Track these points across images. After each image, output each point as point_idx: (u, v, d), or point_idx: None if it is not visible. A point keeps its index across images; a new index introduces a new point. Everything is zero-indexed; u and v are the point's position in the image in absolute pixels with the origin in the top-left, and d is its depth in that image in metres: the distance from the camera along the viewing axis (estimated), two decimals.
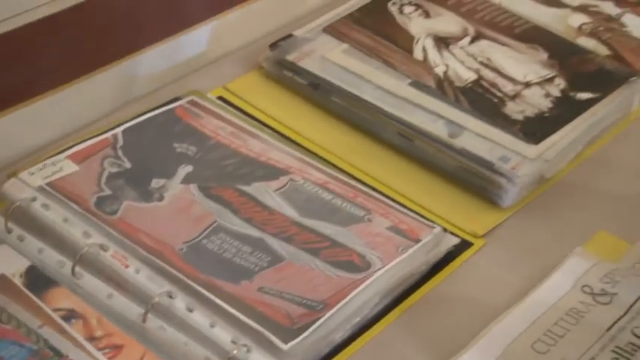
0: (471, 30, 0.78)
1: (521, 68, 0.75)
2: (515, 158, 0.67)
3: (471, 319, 0.59)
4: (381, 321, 0.59)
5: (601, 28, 0.80)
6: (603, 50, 0.77)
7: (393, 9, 0.79)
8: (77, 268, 0.57)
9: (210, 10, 0.76)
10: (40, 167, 0.62)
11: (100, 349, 0.53)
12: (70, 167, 0.63)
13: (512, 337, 0.57)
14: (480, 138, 0.68)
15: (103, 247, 0.58)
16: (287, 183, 0.64)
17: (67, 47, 0.67)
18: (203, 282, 0.56)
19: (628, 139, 0.73)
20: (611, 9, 0.82)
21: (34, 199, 0.60)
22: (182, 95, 0.71)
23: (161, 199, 0.62)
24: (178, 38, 0.74)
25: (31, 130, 0.67)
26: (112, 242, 0.58)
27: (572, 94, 0.73)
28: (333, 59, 0.74)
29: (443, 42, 0.77)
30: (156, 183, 0.63)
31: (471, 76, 0.74)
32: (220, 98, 0.72)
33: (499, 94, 0.73)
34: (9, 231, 0.59)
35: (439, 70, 0.74)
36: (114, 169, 0.63)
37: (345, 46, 0.75)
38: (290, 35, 0.76)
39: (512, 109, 0.71)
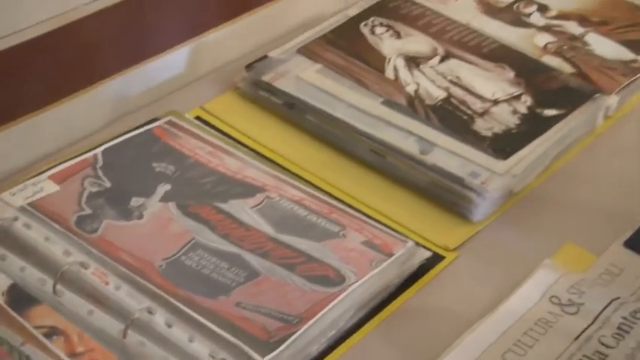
0: (441, 50, 0.79)
1: (490, 86, 0.75)
2: (484, 174, 0.68)
3: (444, 329, 0.59)
4: (357, 333, 0.59)
5: (565, 47, 0.80)
6: (568, 68, 0.78)
7: (365, 30, 0.80)
8: (58, 286, 0.57)
9: (187, 33, 0.77)
10: (21, 188, 0.62)
11: None
12: (51, 187, 0.63)
13: (484, 347, 0.58)
14: (450, 154, 0.69)
15: (83, 265, 0.58)
16: (263, 200, 0.65)
17: (46, 71, 0.67)
18: (182, 298, 0.57)
19: (593, 154, 0.74)
20: (575, 28, 0.82)
21: (15, 219, 0.60)
22: (160, 116, 0.71)
23: (140, 217, 0.62)
24: (156, 60, 0.75)
25: (12, 151, 0.67)
26: (92, 260, 0.58)
27: (538, 110, 0.74)
28: (307, 79, 0.74)
29: (413, 61, 0.77)
30: (135, 202, 0.63)
31: (441, 94, 0.74)
32: (198, 118, 0.73)
33: (468, 111, 0.73)
34: None
35: (410, 89, 0.74)
36: (94, 189, 0.64)
37: (318, 66, 0.75)
38: (265, 56, 0.76)
39: (481, 126, 0.72)
